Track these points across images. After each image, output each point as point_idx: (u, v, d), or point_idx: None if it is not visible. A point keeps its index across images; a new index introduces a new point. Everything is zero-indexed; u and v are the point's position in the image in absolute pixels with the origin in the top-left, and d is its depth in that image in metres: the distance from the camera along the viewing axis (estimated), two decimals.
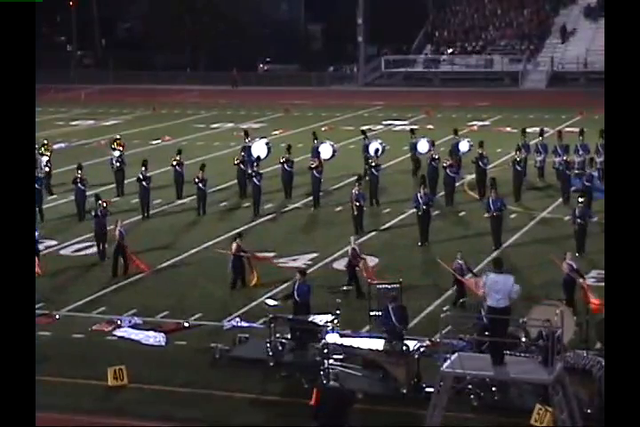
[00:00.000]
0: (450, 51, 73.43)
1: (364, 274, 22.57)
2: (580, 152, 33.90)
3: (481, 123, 50.60)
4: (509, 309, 15.02)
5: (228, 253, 23.44)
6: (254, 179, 30.76)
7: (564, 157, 32.37)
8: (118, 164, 33.81)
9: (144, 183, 30.47)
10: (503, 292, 14.83)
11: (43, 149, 35.07)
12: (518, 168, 32.20)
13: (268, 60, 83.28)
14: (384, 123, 51.32)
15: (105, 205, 26.37)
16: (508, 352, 15.36)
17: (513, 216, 29.45)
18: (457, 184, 32.42)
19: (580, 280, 20.67)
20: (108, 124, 53.81)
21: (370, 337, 18.10)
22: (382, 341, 17.50)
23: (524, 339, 16.79)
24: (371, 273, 22.62)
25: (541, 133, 35.81)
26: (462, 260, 21.62)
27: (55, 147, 37.61)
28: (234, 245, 23.45)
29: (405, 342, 17.37)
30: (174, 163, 32.85)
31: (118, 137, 37.49)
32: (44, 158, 34.42)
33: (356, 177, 29.45)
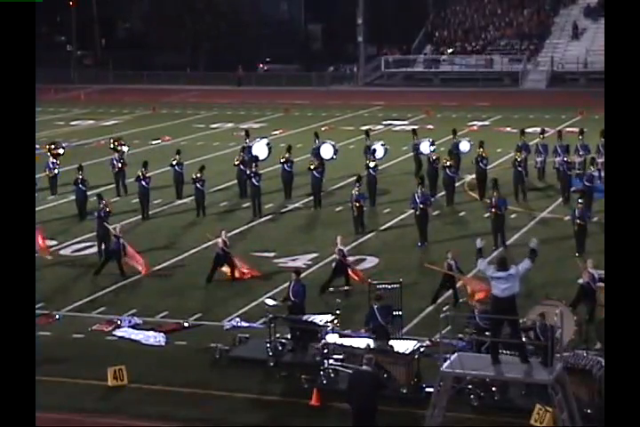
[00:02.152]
0: (450, 51, 73.43)
1: (355, 278, 22.66)
2: (581, 152, 33.84)
3: (481, 123, 50.60)
4: (514, 298, 15.02)
5: (213, 239, 23.88)
6: (253, 179, 30.73)
7: (565, 158, 32.30)
8: (120, 164, 33.75)
9: (143, 183, 30.46)
10: (511, 281, 14.86)
11: (49, 148, 35.13)
12: (519, 169, 32.13)
13: (268, 60, 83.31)
14: (384, 123, 51.32)
15: (106, 204, 26.41)
16: (507, 352, 15.37)
17: (513, 216, 29.43)
18: (457, 184, 32.41)
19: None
20: (108, 124, 53.82)
21: (369, 337, 18.08)
22: (371, 340, 17.54)
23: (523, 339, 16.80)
24: (360, 276, 22.69)
25: (542, 133, 35.80)
26: (453, 260, 21.65)
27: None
28: (219, 240, 23.67)
29: (391, 341, 17.48)
30: (174, 163, 32.84)
31: (118, 137, 37.48)
32: (51, 159, 34.38)
33: (355, 177, 29.43)
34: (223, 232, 24.10)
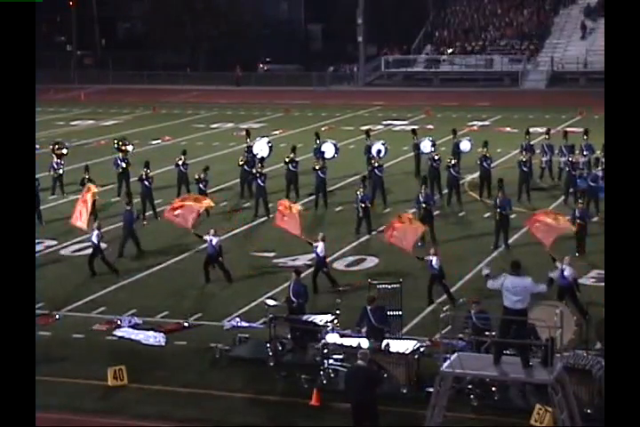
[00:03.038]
0: (450, 51, 73.43)
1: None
2: (585, 152, 33.69)
3: (481, 123, 50.60)
4: (526, 311, 14.94)
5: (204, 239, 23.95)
6: (258, 180, 30.68)
7: (570, 158, 32.16)
8: (124, 164, 33.65)
9: (146, 183, 30.44)
10: (523, 294, 14.76)
11: (53, 148, 35.06)
12: (524, 169, 32.00)
13: (268, 60, 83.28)
14: (384, 123, 51.32)
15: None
16: (507, 352, 15.35)
17: (513, 216, 29.38)
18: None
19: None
20: (107, 124, 53.82)
21: (366, 337, 18.06)
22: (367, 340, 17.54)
23: None
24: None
25: (548, 133, 35.78)
26: (435, 256, 21.65)
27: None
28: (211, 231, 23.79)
29: (391, 341, 17.46)
30: (179, 162, 32.75)
31: (122, 137, 37.45)
32: (55, 159, 34.30)
33: (359, 177, 29.37)
34: (212, 231, 24.03)
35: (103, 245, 24.81)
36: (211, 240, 23.58)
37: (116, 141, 36.20)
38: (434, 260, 21.60)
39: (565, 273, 20.37)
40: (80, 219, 25.57)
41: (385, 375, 16.83)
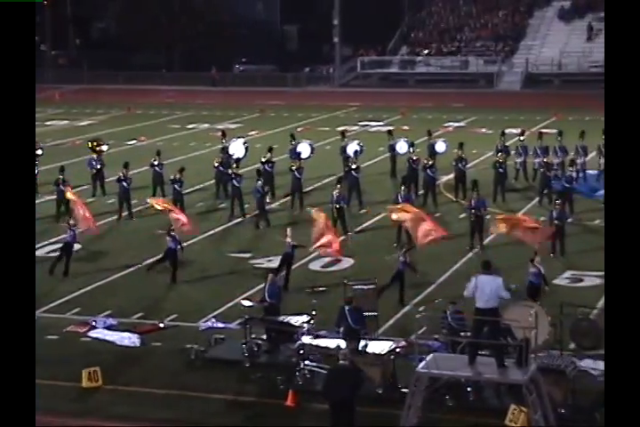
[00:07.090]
0: (425, 52, 73.61)
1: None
2: (559, 153, 33.92)
3: (456, 124, 50.74)
4: (498, 310, 15.04)
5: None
6: (234, 180, 30.61)
7: (544, 159, 32.32)
8: (99, 165, 33.48)
9: (124, 184, 30.29)
10: (492, 292, 14.85)
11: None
12: (500, 170, 32.11)
13: (243, 60, 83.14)
14: (360, 124, 51.37)
15: None
16: (482, 353, 15.42)
17: (489, 217, 29.50)
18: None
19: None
20: (82, 124, 53.57)
21: (341, 338, 18.06)
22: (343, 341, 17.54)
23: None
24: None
25: (522, 135, 35.93)
26: (404, 256, 21.74)
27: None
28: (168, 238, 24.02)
29: (367, 342, 17.47)
30: (155, 163, 32.61)
31: (96, 138, 37.31)
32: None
33: (335, 178, 29.39)
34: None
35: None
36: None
37: (89, 142, 36.06)
38: (403, 259, 21.72)
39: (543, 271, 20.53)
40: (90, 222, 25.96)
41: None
